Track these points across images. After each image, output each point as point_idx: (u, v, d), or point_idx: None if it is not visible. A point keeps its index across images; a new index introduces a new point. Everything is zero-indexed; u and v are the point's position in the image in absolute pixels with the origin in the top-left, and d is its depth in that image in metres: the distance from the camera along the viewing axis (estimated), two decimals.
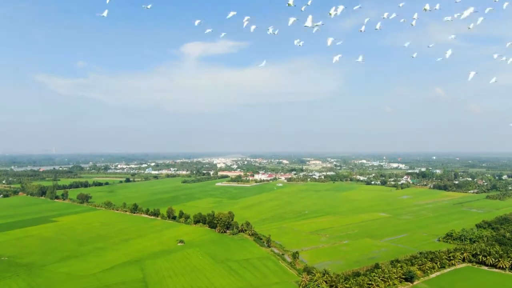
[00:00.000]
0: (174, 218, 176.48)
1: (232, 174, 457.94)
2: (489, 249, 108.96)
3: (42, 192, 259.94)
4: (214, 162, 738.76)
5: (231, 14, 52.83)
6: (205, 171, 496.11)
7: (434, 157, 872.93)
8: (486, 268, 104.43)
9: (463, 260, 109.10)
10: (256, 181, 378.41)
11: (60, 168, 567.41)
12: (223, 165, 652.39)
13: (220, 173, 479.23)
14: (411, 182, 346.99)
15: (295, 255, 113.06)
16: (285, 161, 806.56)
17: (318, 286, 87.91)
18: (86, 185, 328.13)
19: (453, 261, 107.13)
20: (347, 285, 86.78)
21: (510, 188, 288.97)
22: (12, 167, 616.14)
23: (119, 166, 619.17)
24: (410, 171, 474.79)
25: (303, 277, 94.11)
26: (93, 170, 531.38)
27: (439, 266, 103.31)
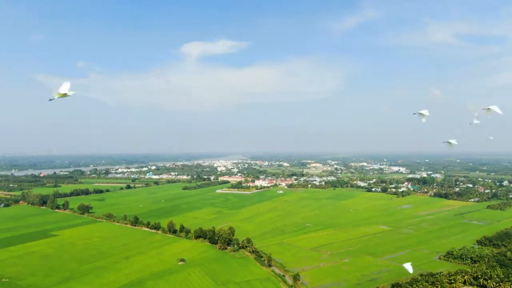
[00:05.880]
0: (175, 232, 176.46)
1: (232, 179, 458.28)
2: (490, 272, 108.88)
3: (43, 201, 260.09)
4: (215, 165, 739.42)
5: None
6: (205, 176, 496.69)
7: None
8: None
9: (464, 282, 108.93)
10: (256, 187, 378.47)
11: (61, 172, 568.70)
12: (223, 169, 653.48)
13: (220, 178, 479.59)
14: (411, 189, 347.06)
15: (296, 277, 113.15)
16: (285, 164, 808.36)
17: None
18: (87, 192, 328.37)
19: (454, 285, 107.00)
20: None
21: (511, 196, 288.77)
22: (13, 171, 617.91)
23: (119, 170, 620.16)
24: (410, 175, 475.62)
25: None
26: (93, 175, 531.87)
27: None
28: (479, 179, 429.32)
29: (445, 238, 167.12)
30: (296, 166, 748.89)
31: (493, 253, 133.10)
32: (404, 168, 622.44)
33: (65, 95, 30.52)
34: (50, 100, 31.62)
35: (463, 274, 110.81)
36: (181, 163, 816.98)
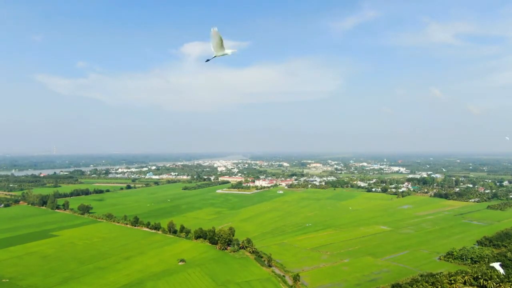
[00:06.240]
0: (175, 232, 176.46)
1: (232, 179, 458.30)
2: (490, 272, 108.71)
3: (43, 201, 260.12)
4: (215, 165, 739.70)
5: None
6: (206, 176, 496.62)
7: (432, 158, 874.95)
8: None
9: (464, 283, 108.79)
10: (257, 187, 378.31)
11: (61, 173, 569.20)
12: (223, 169, 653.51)
13: (220, 178, 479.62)
14: (411, 189, 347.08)
15: (296, 278, 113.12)
16: (285, 164, 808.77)
17: None
18: (87, 192, 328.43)
19: (454, 285, 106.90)
20: None
21: (511, 196, 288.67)
22: (13, 171, 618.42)
23: (119, 170, 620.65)
24: (411, 176, 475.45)
25: None
26: (93, 175, 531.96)
27: None
28: (479, 179, 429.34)
29: (445, 239, 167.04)
30: (296, 166, 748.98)
31: (493, 254, 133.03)
32: (404, 168, 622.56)
33: (224, 54, 29.06)
34: (207, 60, 30.41)
35: (463, 274, 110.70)
36: (181, 163, 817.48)
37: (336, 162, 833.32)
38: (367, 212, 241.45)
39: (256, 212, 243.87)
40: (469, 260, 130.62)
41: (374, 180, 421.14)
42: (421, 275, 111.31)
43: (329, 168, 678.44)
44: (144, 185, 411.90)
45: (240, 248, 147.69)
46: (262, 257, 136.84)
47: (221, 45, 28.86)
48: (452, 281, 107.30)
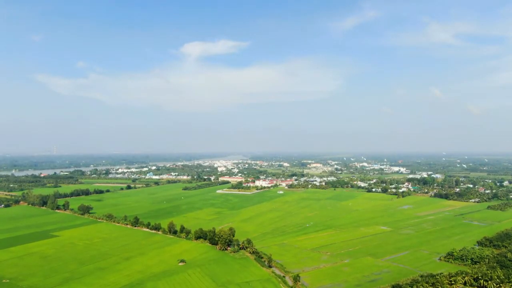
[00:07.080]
0: (175, 232, 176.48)
1: (233, 180, 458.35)
2: (490, 273, 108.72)
3: (43, 202, 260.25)
4: (215, 165, 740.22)
5: None
6: (206, 176, 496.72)
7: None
8: None
9: (465, 284, 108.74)
10: (257, 188, 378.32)
11: (61, 173, 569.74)
12: (224, 169, 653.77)
13: (221, 179, 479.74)
14: (412, 189, 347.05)
15: (296, 278, 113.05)
16: (286, 164, 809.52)
17: None
18: (87, 193, 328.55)
19: (454, 286, 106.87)
20: None
21: (511, 197, 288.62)
22: (13, 171, 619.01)
23: (120, 170, 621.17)
24: (411, 176, 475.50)
25: None
26: (94, 175, 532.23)
27: None
28: (479, 179, 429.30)
29: (446, 239, 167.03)
30: (297, 166, 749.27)
31: (493, 254, 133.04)
32: (405, 168, 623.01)
33: None
34: None
35: (463, 275, 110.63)
36: (182, 163, 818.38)
37: (336, 162, 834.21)
38: (367, 213, 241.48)
39: (256, 213, 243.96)
40: (470, 260, 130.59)
41: (374, 180, 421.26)
42: (421, 276, 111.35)
43: (329, 168, 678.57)
44: (144, 185, 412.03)
45: (240, 249, 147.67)
46: (262, 257, 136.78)
47: None
48: (453, 282, 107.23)
